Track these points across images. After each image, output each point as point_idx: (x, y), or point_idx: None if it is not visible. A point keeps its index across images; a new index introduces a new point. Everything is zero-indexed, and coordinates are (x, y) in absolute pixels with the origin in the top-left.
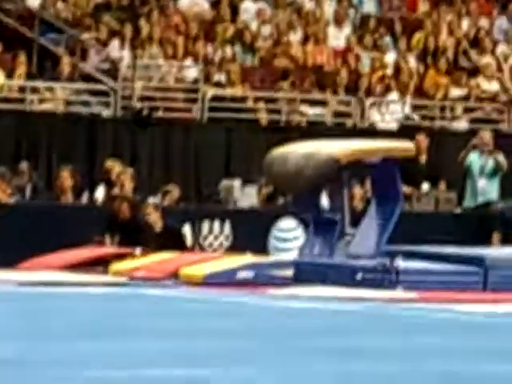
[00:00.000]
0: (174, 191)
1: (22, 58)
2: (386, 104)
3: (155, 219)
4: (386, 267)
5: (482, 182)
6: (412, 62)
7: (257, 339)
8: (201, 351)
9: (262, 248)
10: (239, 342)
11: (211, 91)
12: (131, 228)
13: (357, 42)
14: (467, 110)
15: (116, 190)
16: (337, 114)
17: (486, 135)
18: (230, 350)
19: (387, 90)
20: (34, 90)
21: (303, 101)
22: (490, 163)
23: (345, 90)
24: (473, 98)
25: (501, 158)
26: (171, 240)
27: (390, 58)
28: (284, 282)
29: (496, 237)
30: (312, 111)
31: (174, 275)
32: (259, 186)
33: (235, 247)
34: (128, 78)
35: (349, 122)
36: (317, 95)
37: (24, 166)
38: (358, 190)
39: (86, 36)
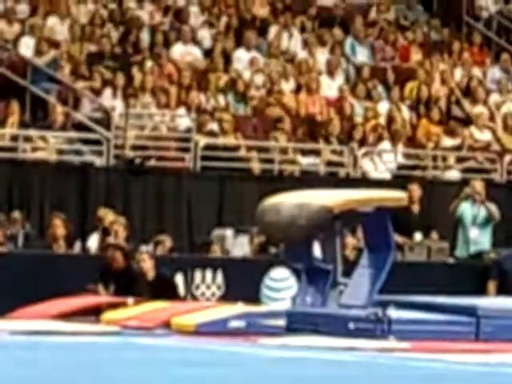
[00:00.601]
0: (167, 241)
1: (15, 106)
2: (379, 153)
3: (149, 268)
4: (378, 317)
5: (474, 232)
6: (405, 111)
7: None
8: None
9: (254, 297)
10: None
11: (204, 140)
12: (125, 277)
13: (350, 91)
14: (459, 160)
15: (109, 239)
16: (329, 164)
17: (478, 185)
18: None
19: (380, 139)
20: (27, 139)
21: (296, 150)
22: (482, 213)
23: (338, 139)
24: (465, 148)
25: (493, 207)
26: (163, 289)
27: (383, 107)
28: (276, 332)
29: (492, 286)
30: (305, 161)
31: (166, 324)
32: (251, 235)
33: (227, 296)
34: (121, 127)
35: (342, 172)
36: (309, 145)
37: (16, 214)
38: (350, 240)
39: (79, 85)
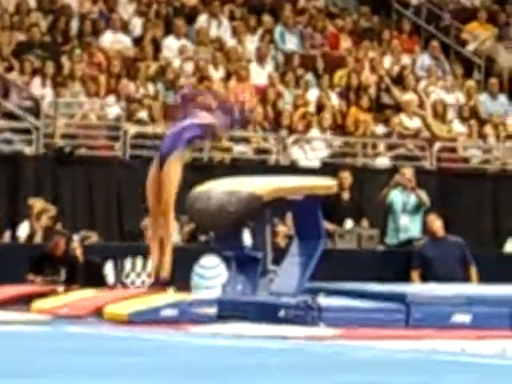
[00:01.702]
0: (93, 237)
1: None
2: (309, 141)
3: (79, 254)
4: (308, 304)
5: (404, 219)
6: (334, 98)
7: (177, 377)
8: None
9: (184, 285)
10: (160, 380)
11: (133, 129)
12: (65, 264)
13: (279, 79)
14: (389, 147)
15: (38, 227)
16: (259, 151)
17: (408, 172)
18: None
19: (309, 127)
20: None
21: (225, 138)
22: (412, 200)
23: (267, 127)
24: (395, 135)
25: (423, 194)
26: (92, 276)
27: (313, 95)
28: (208, 320)
29: (415, 275)
30: (234, 148)
31: (98, 313)
32: (181, 223)
33: (157, 284)
34: (50, 116)
35: (271, 159)
36: (239, 132)
37: None
38: (280, 228)
39: (8, 74)
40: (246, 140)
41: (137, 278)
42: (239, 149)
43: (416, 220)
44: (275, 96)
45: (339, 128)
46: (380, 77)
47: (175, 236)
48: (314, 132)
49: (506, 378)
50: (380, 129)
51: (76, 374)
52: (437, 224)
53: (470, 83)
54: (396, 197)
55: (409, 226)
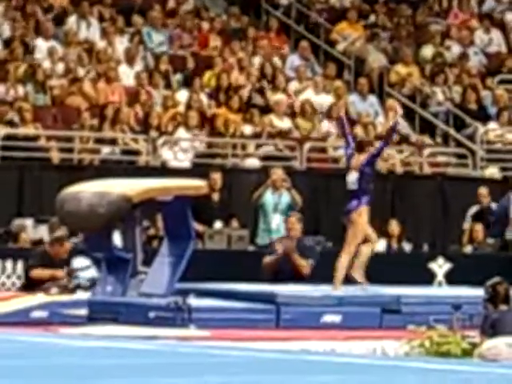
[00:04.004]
0: None
1: None
2: (178, 142)
3: None
4: (178, 305)
5: (276, 220)
6: (204, 99)
7: (45, 378)
8: None
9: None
10: (27, 382)
11: (3, 130)
12: None
13: (148, 80)
14: (259, 147)
15: None
16: (129, 153)
17: (279, 172)
18: None
19: (179, 127)
20: None
21: (96, 139)
22: (284, 200)
23: (137, 128)
24: (265, 136)
25: (296, 194)
26: None
27: (182, 95)
28: (78, 321)
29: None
30: (104, 150)
31: None
32: (51, 224)
33: (28, 287)
34: None
35: (141, 161)
36: (109, 134)
37: None
38: (151, 229)
39: None
40: (115, 141)
41: (7, 279)
42: (108, 150)
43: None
44: (144, 97)
45: (209, 129)
46: (250, 77)
47: (46, 238)
48: (182, 133)
49: (375, 377)
50: (250, 129)
51: None
52: (296, 226)
53: (340, 83)
54: (267, 197)
55: (281, 227)
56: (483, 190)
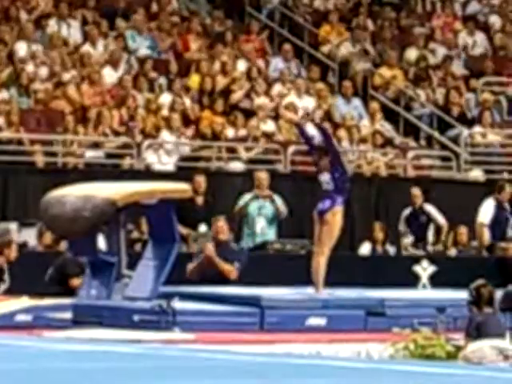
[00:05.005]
0: None
1: None
2: (162, 145)
3: None
4: (163, 309)
5: (260, 224)
6: (188, 102)
7: (28, 383)
8: None
9: (39, 291)
10: None
11: None
12: None
13: (132, 83)
14: (243, 151)
15: None
16: (113, 156)
17: (263, 176)
18: None
19: (163, 131)
20: None
21: (80, 143)
22: (268, 206)
23: (121, 131)
24: (249, 139)
25: (279, 204)
26: None
27: (166, 99)
28: (63, 325)
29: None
30: (88, 153)
31: None
32: (40, 228)
33: (12, 290)
34: None
35: (125, 164)
36: (93, 137)
37: None
38: (135, 232)
39: None
40: (99, 145)
41: None
42: (92, 154)
43: (272, 226)
44: (128, 100)
45: (193, 132)
46: (233, 80)
47: (33, 242)
48: (166, 136)
49: (361, 380)
50: (234, 132)
51: None
52: (224, 230)
53: (322, 85)
54: (252, 203)
55: (265, 231)
56: (416, 191)
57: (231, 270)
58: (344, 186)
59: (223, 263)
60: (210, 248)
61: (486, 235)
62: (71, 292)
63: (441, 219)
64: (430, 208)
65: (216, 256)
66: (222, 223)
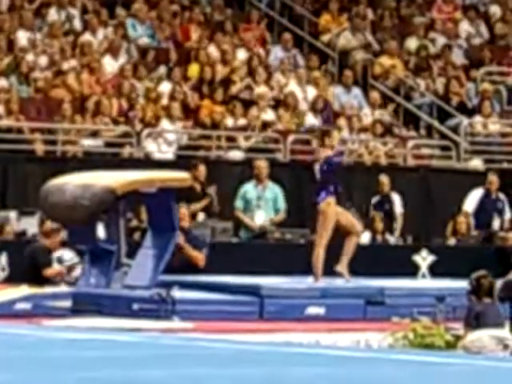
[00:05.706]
0: None
1: None
2: (162, 134)
3: None
4: (162, 297)
5: (259, 215)
6: (188, 91)
7: (28, 370)
8: None
9: (38, 279)
10: (9, 372)
11: None
12: None
13: (132, 71)
14: (243, 140)
15: None
16: (113, 145)
17: (262, 164)
18: None
19: (163, 119)
20: None
21: (79, 131)
22: (268, 194)
23: (121, 120)
24: (249, 128)
25: (277, 190)
26: None
27: (166, 87)
28: (62, 314)
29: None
30: (88, 142)
31: None
32: (41, 217)
33: (12, 279)
34: None
35: (125, 153)
36: (93, 125)
37: None
38: (134, 221)
39: None
40: (98, 133)
41: None
42: (92, 142)
43: (271, 214)
44: (128, 89)
45: (193, 121)
46: (233, 69)
47: (33, 230)
48: (166, 125)
49: (359, 369)
50: (233, 121)
51: None
52: (186, 217)
53: (320, 74)
54: (250, 191)
55: (264, 220)
56: (384, 179)
57: (201, 257)
58: (335, 176)
59: (192, 250)
60: (180, 236)
61: (470, 223)
62: (44, 281)
63: (398, 209)
64: (396, 197)
65: (185, 244)
66: (183, 210)
